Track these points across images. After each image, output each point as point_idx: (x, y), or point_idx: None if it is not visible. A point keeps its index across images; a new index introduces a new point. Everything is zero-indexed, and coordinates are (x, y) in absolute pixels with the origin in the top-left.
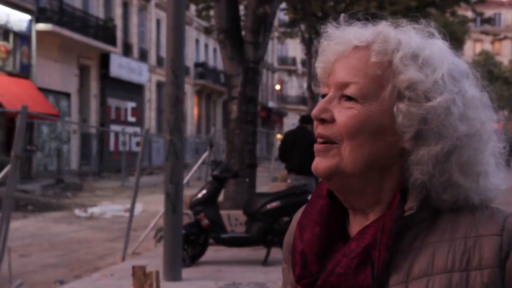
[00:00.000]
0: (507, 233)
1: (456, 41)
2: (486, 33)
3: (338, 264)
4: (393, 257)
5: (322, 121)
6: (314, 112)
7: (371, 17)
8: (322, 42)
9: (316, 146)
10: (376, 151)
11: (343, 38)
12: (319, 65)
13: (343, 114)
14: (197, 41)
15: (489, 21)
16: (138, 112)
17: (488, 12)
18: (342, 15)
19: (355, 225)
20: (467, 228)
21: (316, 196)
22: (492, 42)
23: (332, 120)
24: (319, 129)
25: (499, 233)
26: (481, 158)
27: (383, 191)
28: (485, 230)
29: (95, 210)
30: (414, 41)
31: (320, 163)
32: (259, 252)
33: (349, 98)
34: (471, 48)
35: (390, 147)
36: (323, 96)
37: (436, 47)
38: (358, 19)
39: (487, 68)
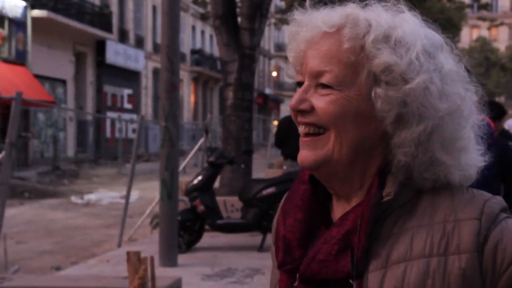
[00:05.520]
0: (486, 217)
1: (453, 27)
2: (483, 19)
3: (319, 251)
4: (373, 243)
5: (302, 112)
6: (293, 103)
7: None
8: (290, 29)
9: (303, 140)
10: (359, 135)
11: (311, 24)
12: (290, 54)
13: (322, 100)
14: (193, 27)
15: (486, 7)
16: (135, 99)
17: None
18: (308, 0)
19: (338, 211)
20: (446, 212)
21: (298, 181)
22: (489, 28)
23: (312, 110)
24: (300, 118)
25: (478, 217)
26: (462, 133)
27: (366, 175)
28: (464, 214)
29: (92, 197)
30: (384, 20)
31: (307, 156)
32: (255, 238)
33: (325, 86)
34: (468, 34)
35: (372, 131)
36: (298, 83)
37: (408, 24)
38: (326, 3)
39: (484, 55)
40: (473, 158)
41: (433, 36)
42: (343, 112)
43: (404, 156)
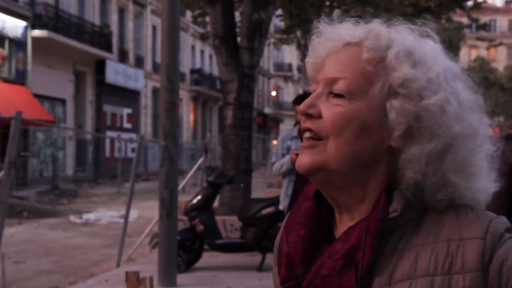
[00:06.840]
0: (491, 237)
1: (451, 47)
2: (481, 39)
3: (323, 266)
4: (376, 259)
5: (309, 116)
6: (302, 107)
7: (363, 16)
8: (313, 39)
9: (302, 144)
10: (362, 148)
11: (334, 34)
12: (309, 61)
13: (330, 110)
14: (193, 47)
15: (485, 27)
16: (134, 118)
17: (484, 18)
18: (336, 11)
19: (341, 226)
20: (450, 230)
21: (302, 198)
22: (488, 48)
23: (319, 116)
24: (306, 123)
25: (483, 236)
26: (474, 160)
27: (368, 189)
28: (469, 233)
29: (91, 216)
30: (407, 39)
31: (304, 160)
32: (254, 258)
33: (337, 95)
34: (466, 54)
35: (376, 145)
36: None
37: (430, 46)
38: (351, 17)
39: (482, 75)
40: (485, 184)
41: (453, 65)
42: (349, 125)
43: (414, 173)
